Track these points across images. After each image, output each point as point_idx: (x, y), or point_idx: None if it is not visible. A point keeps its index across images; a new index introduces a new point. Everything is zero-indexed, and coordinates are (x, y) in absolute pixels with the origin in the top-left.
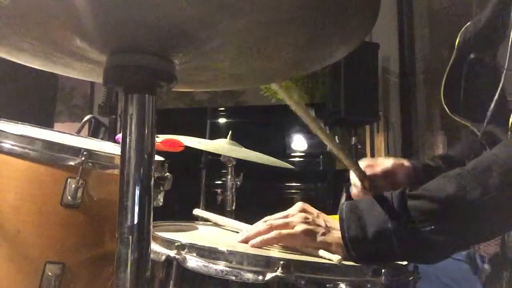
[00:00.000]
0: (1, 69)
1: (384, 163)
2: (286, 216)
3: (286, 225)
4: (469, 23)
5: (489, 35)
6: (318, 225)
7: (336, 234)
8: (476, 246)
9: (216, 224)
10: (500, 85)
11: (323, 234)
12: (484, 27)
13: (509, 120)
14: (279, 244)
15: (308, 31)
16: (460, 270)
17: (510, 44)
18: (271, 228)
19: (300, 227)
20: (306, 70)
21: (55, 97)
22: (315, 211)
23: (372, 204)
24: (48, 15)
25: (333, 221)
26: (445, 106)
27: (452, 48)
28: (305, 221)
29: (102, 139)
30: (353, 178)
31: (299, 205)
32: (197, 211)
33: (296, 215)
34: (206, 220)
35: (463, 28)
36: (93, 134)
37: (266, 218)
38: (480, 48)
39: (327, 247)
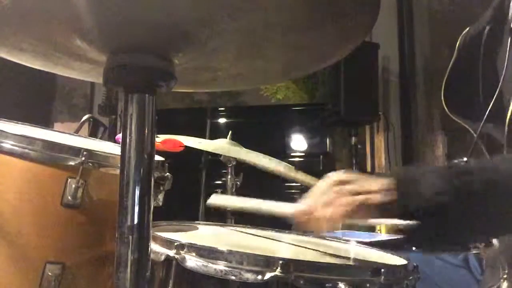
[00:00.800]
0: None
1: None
2: (329, 198)
3: (330, 204)
4: (469, 27)
5: (488, 38)
6: (368, 192)
7: (390, 194)
8: (473, 249)
9: (218, 224)
10: (498, 88)
11: (374, 197)
12: (483, 30)
13: (505, 120)
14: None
15: (308, 31)
16: (457, 275)
17: (508, 46)
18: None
19: (354, 200)
20: (306, 70)
21: (53, 95)
22: (354, 176)
23: (424, 173)
24: (48, 15)
25: (376, 180)
26: (445, 107)
27: (452, 48)
28: (354, 193)
29: (101, 138)
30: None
31: (332, 178)
32: (213, 199)
33: (341, 193)
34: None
35: (463, 32)
36: (92, 133)
37: (307, 200)
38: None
39: (385, 208)
